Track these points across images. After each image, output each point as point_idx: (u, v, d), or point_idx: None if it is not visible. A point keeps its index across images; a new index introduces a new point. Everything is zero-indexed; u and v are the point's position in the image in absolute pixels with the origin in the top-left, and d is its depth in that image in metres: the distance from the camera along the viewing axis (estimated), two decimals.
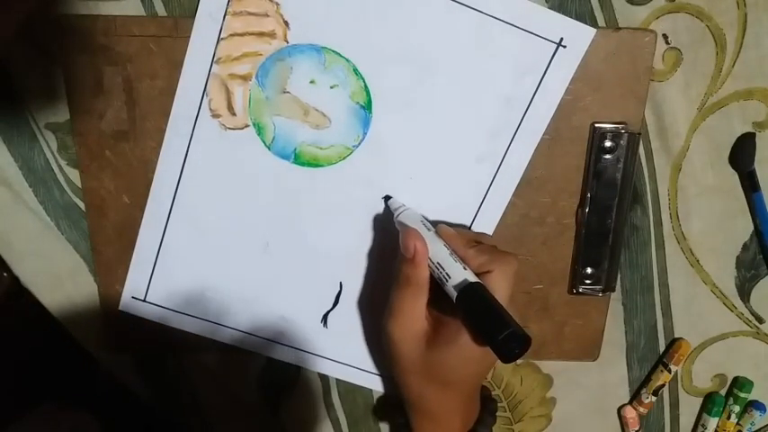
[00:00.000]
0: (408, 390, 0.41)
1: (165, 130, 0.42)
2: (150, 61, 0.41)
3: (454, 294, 0.36)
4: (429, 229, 0.39)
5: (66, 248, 0.46)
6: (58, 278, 0.46)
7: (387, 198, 0.44)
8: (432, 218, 0.44)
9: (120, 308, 0.46)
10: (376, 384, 0.49)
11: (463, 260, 0.38)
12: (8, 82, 0.42)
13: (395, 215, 0.42)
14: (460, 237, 0.39)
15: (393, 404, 0.45)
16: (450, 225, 0.40)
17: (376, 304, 0.46)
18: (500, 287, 0.37)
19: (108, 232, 0.45)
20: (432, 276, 0.38)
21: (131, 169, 0.43)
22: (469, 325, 0.37)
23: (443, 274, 0.37)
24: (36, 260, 0.46)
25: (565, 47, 0.41)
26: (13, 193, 0.44)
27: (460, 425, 0.42)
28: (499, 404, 0.51)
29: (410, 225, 0.40)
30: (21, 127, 0.43)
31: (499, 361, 0.34)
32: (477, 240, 0.40)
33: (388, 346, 0.40)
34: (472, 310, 0.36)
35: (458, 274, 0.36)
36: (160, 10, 0.41)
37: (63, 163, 0.44)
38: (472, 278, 0.36)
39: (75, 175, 0.44)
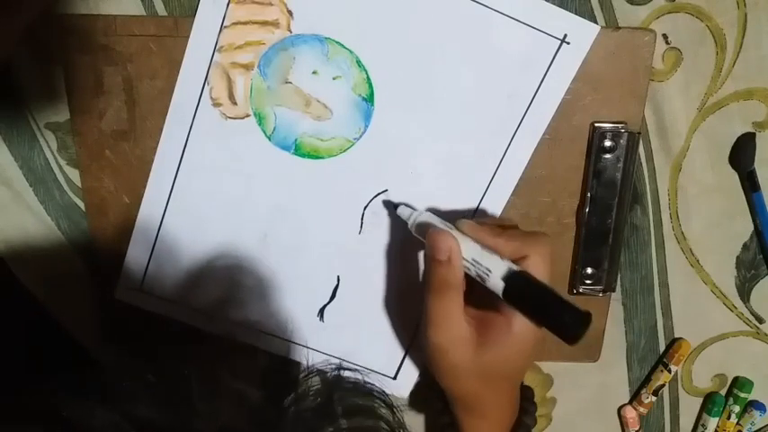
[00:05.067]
0: (463, 394, 0.39)
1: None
2: (150, 61, 0.41)
3: (500, 287, 0.35)
4: (450, 228, 0.38)
5: (66, 248, 0.46)
6: (58, 278, 0.46)
7: (395, 206, 0.42)
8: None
9: (115, 297, 0.46)
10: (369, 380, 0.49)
11: (495, 251, 0.36)
12: (8, 82, 0.42)
13: (409, 222, 0.40)
14: (485, 228, 0.37)
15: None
16: (464, 217, 0.39)
17: (373, 299, 0.46)
18: (540, 270, 0.36)
19: (108, 232, 0.45)
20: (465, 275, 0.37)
21: (131, 169, 0.43)
22: (525, 314, 0.35)
23: (482, 269, 0.35)
24: (36, 260, 0.46)
25: (569, 43, 0.41)
26: (13, 193, 0.44)
27: (509, 417, 0.41)
28: None
29: (434, 226, 0.38)
30: (21, 127, 0.43)
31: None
32: (501, 226, 0.39)
33: (435, 355, 0.38)
34: (525, 300, 0.35)
35: (497, 266, 0.35)
36: (160, 9, 0.41)
37: (63, 163, 0.44)
38: (514, 267, 0.35)
39: (75, 175, 0.44)
